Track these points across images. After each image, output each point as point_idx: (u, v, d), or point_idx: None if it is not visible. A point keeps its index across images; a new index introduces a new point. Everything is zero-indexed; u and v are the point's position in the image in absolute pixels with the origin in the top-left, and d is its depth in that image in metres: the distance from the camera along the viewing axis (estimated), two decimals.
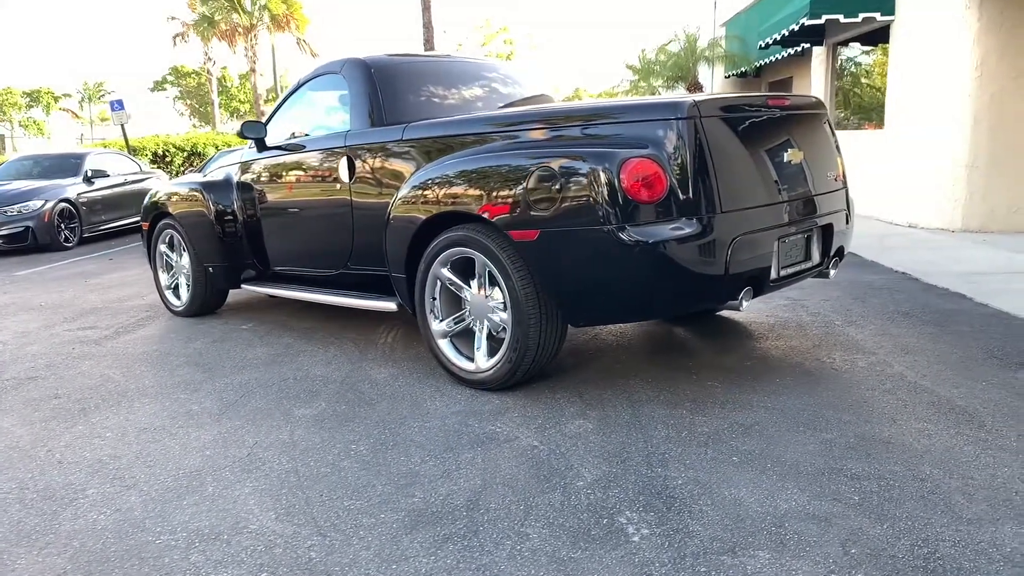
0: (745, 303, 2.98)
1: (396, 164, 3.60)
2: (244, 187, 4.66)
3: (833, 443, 2.57)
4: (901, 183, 8.02)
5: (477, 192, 3.10)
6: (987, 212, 7.18)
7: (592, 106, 3.09)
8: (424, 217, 3.31)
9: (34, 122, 59.25)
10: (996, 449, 2.47)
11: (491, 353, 3.21)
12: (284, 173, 4.36)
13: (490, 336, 3.25)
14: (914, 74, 7.84)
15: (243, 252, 4.69)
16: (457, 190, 3.18)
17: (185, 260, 4.96)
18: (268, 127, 4.57)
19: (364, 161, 3.76)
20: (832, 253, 3.46)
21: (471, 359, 3.28)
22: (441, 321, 3.39)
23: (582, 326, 3.17)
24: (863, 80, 11.68)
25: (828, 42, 10.32)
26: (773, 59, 12.50)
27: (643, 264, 2.78)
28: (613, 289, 2.88)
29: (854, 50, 11.50)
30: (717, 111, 2.94)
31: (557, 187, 2.86)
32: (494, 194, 3.03)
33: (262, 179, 4.54)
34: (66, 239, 10.03)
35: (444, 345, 3.38)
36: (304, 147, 4.19)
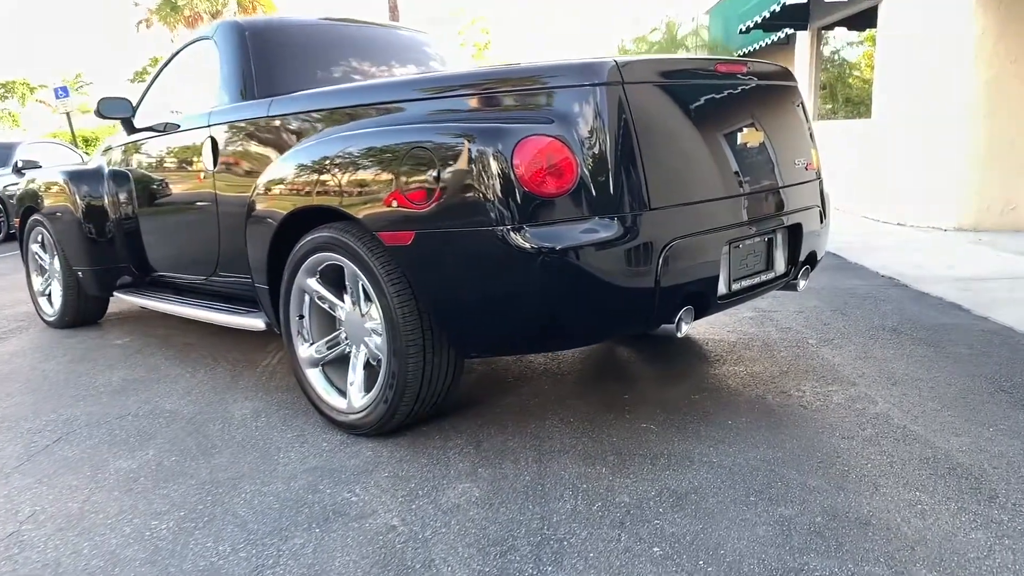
0: (684, 326, 2.29)
1: (262, 147, 2.90)
2: (116, 177, 3.94)
3: (792, 524, 1.88)
4: (889, 177, 7.36)
5: (341, 182, 2.40)
6: (982, 209, 6.52)
7: (487, 71, 2.40)
8: (284, 213, 2.61)
9: (9, 114, 57.93)
10: (1016, 537, 1.79)
11: (369, 387, 2.52)
12: (152, 160, 3.65)
13: (370, 365, 2.56)
14: (903, 59, 7.17)
15: (117, 254, 3.97)
16: (319, 179, 2.47)
17: (58, 263, 4.24)
18: (141, 104, 3.86)
19: (228, 144, 3.05)
20: (802, 260, 2.79)
21: (345, 394, 2.59)
22: (311, 345, 2.69)
23: (473, 358, 2.49)
24: (852, 71, 11.05)
25: (812, 27, 9.66)
26: (756, 47, 11.84)
27: (546, 277, 2.09)
28: (508, 310, 2.19)
29: (840, 40, 10.86)
30: (648, 77, 2.26)
31: (434, 175, 2.16)
32: (361, 185, 2.34)
33: (131, 167, 3.83)
34: None
35: (313, 376, 2.68)
36: (173, 128, 3.48)
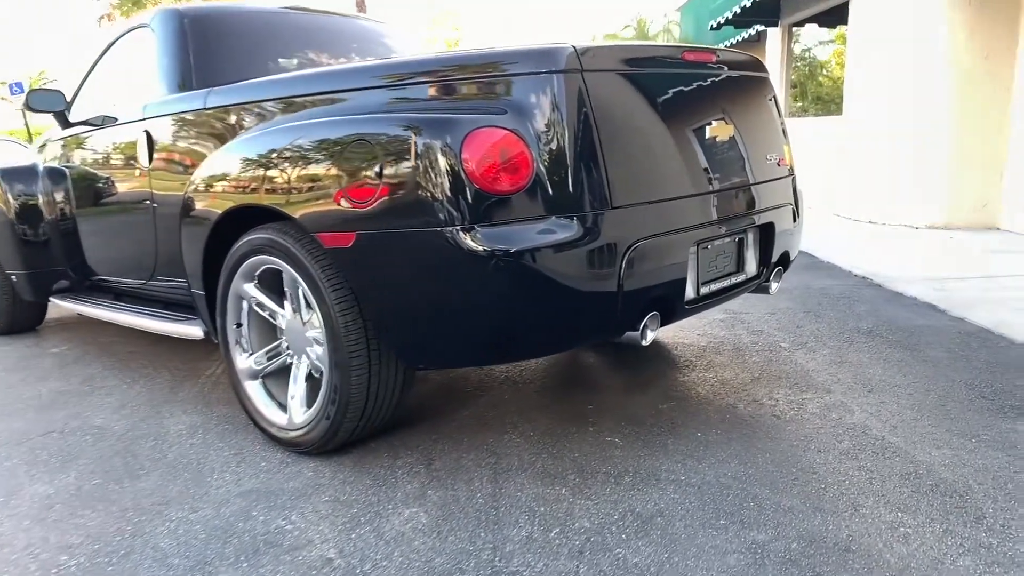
0: (650, 333, 2.13)
1: (198, 142, 2.69)
2: (52, 175, 3.70)
3: (765, 551, 1.73)
4: (860, 175, 7.28)
5: (276, 178, 2.20)
6: (953, 207, 6.45)
7: (435, 58, 2.22)
8: (219, 212, 2.41)
9: None
10: (1007, 564, 1.65)
11: (311, 401, 2.33)
12: (88, 156, 3.42)
13: (312, 377, 2.36)
14: (874, 55, 7.09)
15: (52, 257, 3.73)
16: (254, 175, 2.28)
17: None
18: (78, 97, 3.63)
19: (163, 139, 2.84)
20: (774, 261, 2.64)
21: (285, 408, 2.39)
22: (249, 355, 2.50)
23: (422, 370, 2.31)
24: (823, 69, 11.01)
25: (783, 23, 9.59)
26: (727, 43, 11.77)
27: (499, 283, 1.92)
28: (458, 319, 2.01)
29: (811, 38, 10.81)
30: (610, 65, 2.09)
31: (376, 170, 1.97)
32: (297, 181, 2.14)
33: (67, 164, 3.60)
34: None
35: (252, 389, 2.49)
36: (111, 121, 3.25)
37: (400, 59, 2.35)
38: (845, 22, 7.83)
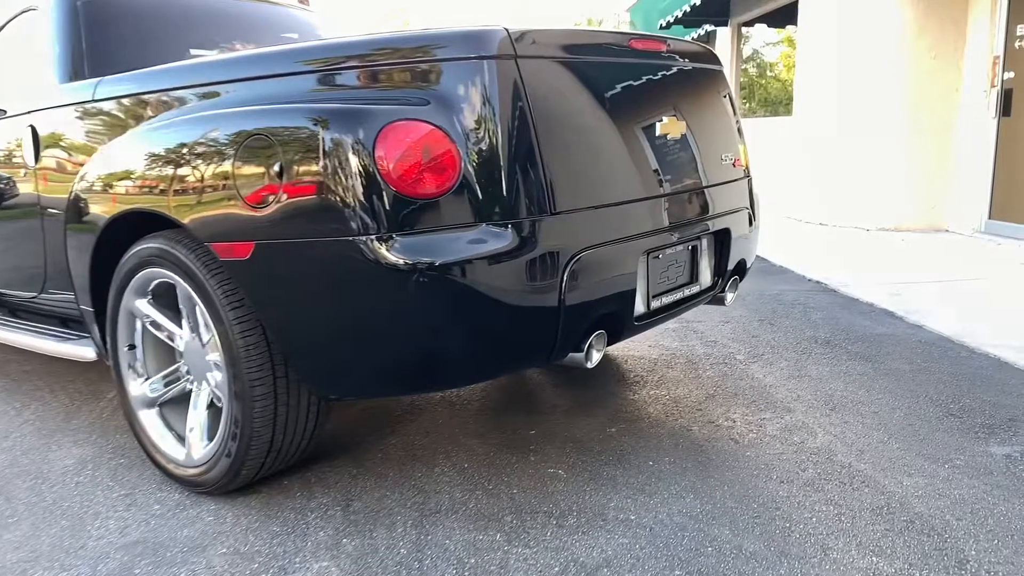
0: (596, 354, 1.90)
1: (85, 138, 2.37)
2: None
3: None
4: (810, 176, 7.20)
5: (165, 180, 1.91)
6: (903, 209, 6.40)
7: (349, 42, 1.94)
8: (106, 218, 2.11)
9: None
10: None
11: (213, 433, 2.03)
12: None
13: (215, 405, 2.07)
14: (824, 55, 7.01)
15: None
16: (142, 176, 1.98)
17: None
18: None
19: (49, 135, 2.51)
20: (730, 270, 2.43)
21: (184, 441, 2.10)
22: (145, 381, 2.19)
23: (334, 400, 2.03)
24: (772, 69, 10.99)
25: (733, 23, 9.51)
26: None
27: (422, 300, 1.66)
28: (375, 343, 1.74)
29: (759, 39, 10.77)
30: (548, 52, 1.85)
31: (276, 170, 1.70)
32: (186, 182, 1.86)
33: None
34: None
35: (148, 419, 2.18)
36: (1, 114, 2.90)
37: (308, 43, 2.07)
38: (795, 22, 7.75)
